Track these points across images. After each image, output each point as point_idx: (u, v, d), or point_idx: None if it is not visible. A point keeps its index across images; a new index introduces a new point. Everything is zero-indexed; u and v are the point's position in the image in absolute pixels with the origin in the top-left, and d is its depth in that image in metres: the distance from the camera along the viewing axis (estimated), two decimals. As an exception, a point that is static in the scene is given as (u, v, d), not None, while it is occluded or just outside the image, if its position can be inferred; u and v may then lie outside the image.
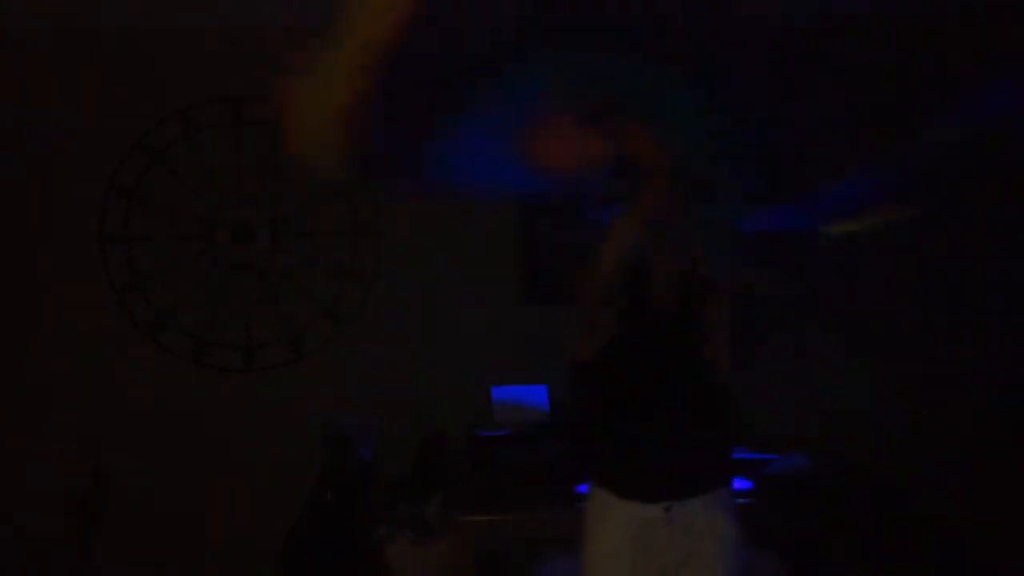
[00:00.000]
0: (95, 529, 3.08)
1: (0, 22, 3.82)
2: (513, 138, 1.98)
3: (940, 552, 3.79)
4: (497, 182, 2.25)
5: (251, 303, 3.98)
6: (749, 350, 2.55)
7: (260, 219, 3.98)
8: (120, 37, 3.91)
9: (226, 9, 3.75)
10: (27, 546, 3.76)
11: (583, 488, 3.34)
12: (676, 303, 2.36)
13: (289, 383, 3.97)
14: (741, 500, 2.59)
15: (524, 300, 4.00)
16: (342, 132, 1.82)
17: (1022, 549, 3.83)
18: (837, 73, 1.88)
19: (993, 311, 3.95)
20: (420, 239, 3.98)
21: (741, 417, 2.50)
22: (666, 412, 2.35)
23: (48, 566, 3.27)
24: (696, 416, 2.37)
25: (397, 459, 3.67)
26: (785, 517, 3.23)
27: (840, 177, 2.07)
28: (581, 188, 2.27)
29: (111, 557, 3.40)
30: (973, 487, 3.95)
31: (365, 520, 3.47)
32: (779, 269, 2.35)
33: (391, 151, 1.96)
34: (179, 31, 3.89)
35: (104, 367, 3.90)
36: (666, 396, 2.36)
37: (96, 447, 3.80)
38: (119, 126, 3.92)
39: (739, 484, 3.08)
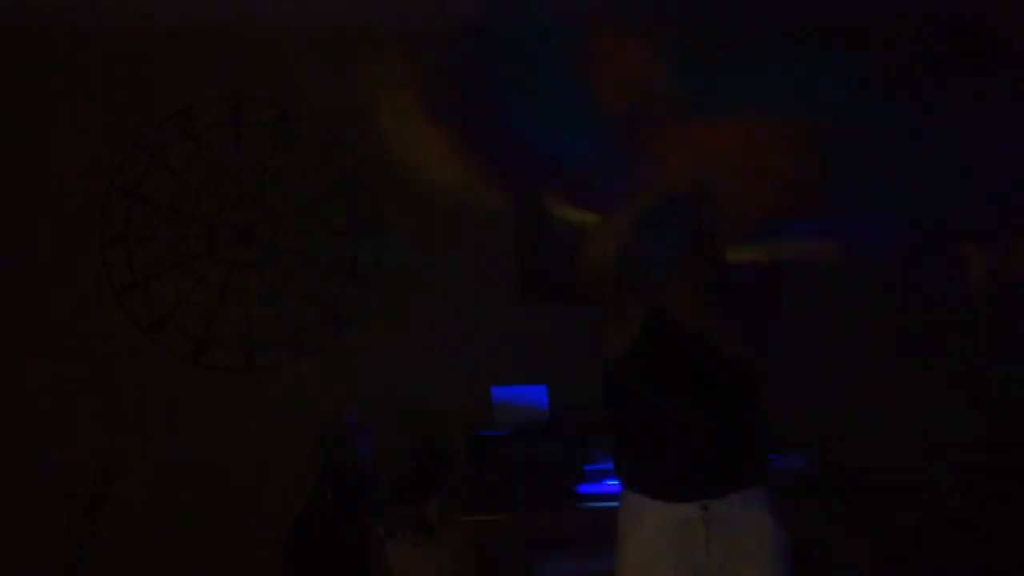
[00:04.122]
0: (95, 529, 3.08)
1: (0, 22, 3.81)
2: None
3: (941, 552, 3.79)
4: None
5: (251, 303, 3.98)
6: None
7: (260, 219, 3.98)
8: (120, 37, 3.90)
9: (226, 9, 3.75)
10: (27, 546, 3.76)
11: (584, 488, 3.35)
12: (701, 302, 2.34)
13: (289, 383, 3.97)
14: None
15: (524, 300, 4.00)
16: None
17: (1023, 549, 3.83)
18: None
19: (993, 310, 3.95)
20: (420, 239, 3.98)
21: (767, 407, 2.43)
22: (696, 407, 2.32)
23: (48, 566, 3.26)
24: (726, 410, 2.33)
25: (397, 459, 3.67)
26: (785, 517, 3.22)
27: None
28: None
29: (111, 557, 3.41)
30: (974, 487, 3.95)
31: (365, 520, 3.47)
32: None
33: None
34: (179, 31, 3.89)
35: (104, 367, 3.90)
36: (695, 391, 2.33)
37: (96, 447, 3.80)
38: (119, 126, 3.91)
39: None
